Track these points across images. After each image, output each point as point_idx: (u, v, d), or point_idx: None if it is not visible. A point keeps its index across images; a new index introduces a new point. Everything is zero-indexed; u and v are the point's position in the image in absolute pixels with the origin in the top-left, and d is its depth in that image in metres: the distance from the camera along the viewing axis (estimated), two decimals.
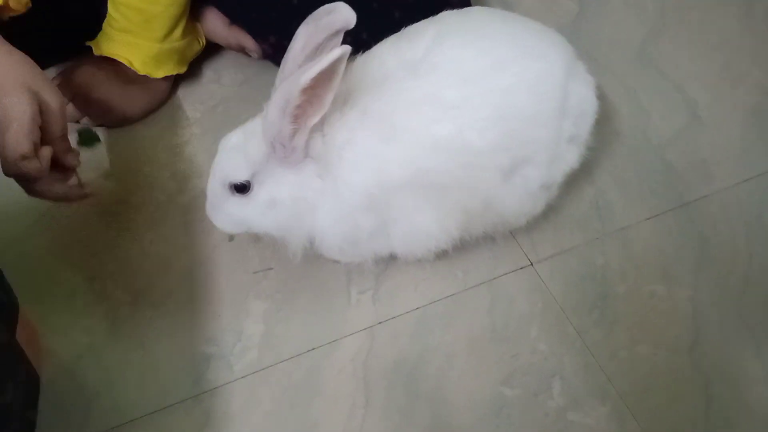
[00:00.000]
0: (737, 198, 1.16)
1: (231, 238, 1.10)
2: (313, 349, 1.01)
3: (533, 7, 1.44)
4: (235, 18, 1.23)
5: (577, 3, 1.45)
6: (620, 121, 1.26)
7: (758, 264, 1.09)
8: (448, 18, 0.95)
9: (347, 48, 0.75)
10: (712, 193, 1.17)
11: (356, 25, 0.85)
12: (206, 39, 1.29)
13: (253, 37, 1.24)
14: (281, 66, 0.85)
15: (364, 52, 0.94)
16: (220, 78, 1.32)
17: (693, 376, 0.98)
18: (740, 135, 1.24)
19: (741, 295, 1.06)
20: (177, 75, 1.26)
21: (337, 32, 0.83)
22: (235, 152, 0.88)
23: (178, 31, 1.18)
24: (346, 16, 0.82)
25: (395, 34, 0.95)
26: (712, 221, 1.13)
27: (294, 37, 0.84)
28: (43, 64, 1.28)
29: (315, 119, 0.81)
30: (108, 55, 1.17)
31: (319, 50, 0.84)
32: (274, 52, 1.23)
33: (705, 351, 1.01)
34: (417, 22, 0.97)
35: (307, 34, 0.83)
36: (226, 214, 0.93)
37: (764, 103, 1.28)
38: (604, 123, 1.18)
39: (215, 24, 1.27)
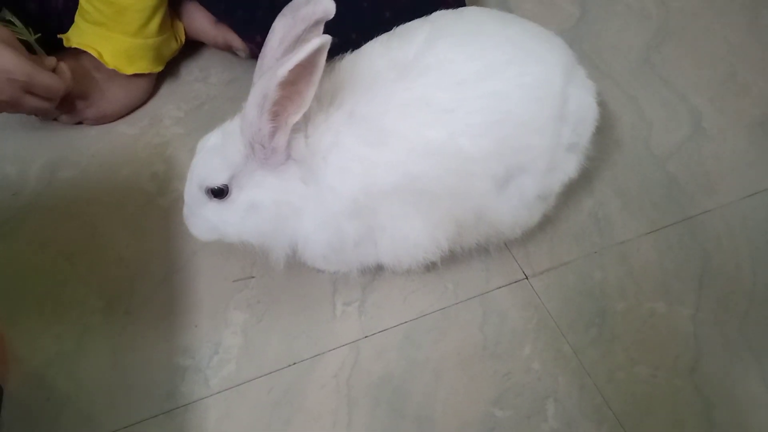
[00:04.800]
0: (741, 213, 1.11)
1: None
2: (295, 363, 0.95)
3: (533, 11, 1.39)
4: (220, 16, 1.19)
5: (578, 7, 1.40)
6: (621, 131, 1.21)
7: (762, 282, 1.04)
8: (441, 18, 0.90)
9: (327, 38, 0.70)
10: (716, 207, 1.12)
11: (345, 25, 0.80)
12: (191, 36, 1.25)
13: (240, 36, 1.19)
14: (258, 61, 0.80)
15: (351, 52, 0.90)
16: (207, 77, 1.27)
17: (694, 399, 0.93)
18: (745, 148, 1.19)
19: (744, 315, 1.01)
20: (160, 72, 1.21)
21: (316, 23, 0.78)
22: (213, 154, 0.83)
23: (153, 26, 1.13)
24: (325, 6, 0.77)
25: (386, 33, 0.90)
26: (715, 237, 1.09)
27: (271, 29, 0.79)
28: None
29: (296, 117, 0.76)
30: (77, 47, 1.12)
31: (298, 43, 0.79)
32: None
33: (707, 373, 0.96)
34: (409, 22, 0.92)
35: (285, 27, 0.78)
36: (203, 219, 0.87)
37: None
38: (605, 132, 1.14)
39: (201, 22, 1.22)
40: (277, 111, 0.75)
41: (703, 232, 1.09)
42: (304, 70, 0.72)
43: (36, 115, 1.15)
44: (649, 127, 1.22)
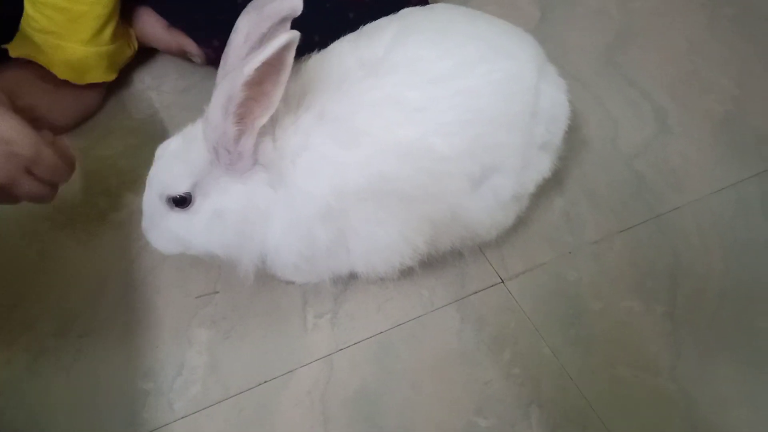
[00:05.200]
0: (710, 209, 1.11)
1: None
2: (266, 381, 0.91)
3: (494, 13, 1.33)
4: (174, 20, 1.14)
5: (539, 8, 1.39)
6: (588, 130, 1.20)
7: (733, 277, 1.03)
8: (410, 15, 0.88)
9: (295, 33, 0.66)
10: (684, 204, 1.11)
11: (307, 26, 0.76)
12: (143, 43, 1.19)
13: (195, 41, 1.14)
14: (222, 61, 0.76)
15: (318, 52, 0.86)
16: (160, 85, 1.22)
17: (676, 398, 0.92)
18: (711, 144, 1.19)
19: (717, 311, 1.00)
20: (110, 81, 1.15)
21: (283, 21, 0.75)
22: (174, 160, 0.78)
23: (107, 33, 1.07)
24: (292, 2, 0.73)
25: (354, 32, 0.87)
26: (685, 234, 1.08)
27: (234, 27, 0.75)
28: None
29: (263, 120, 0.72)
30: (25, 57, 1.05)
31: (263, 41, 0.75)
32: (219, 57, 1.13)
33: (686, 371, 0.94)
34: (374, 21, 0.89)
35: (249, 24, 0.74)
36: (164, 231, 0.82)
37: (734, 112, 1.24)
38: (572, 132, 1.11)
39: (153, 26, 1.17)
40: (243, 113, 0.71)
41: (672, 230, 1.08)
42: (270, 68, 0.68)
43: (29, 201, 0.88)
44: (615, 126, 1.21)
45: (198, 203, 0.79)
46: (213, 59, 1.15)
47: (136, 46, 1.17)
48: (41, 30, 1.05)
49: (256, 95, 0.70)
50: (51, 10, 1.02)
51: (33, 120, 1.07)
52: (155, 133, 1.15)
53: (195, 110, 1.16)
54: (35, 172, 0.83)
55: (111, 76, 1.14)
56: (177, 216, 0.80)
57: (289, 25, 0.76)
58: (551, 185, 1.07)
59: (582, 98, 1.24)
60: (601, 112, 1.23)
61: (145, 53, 1.22)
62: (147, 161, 1.09)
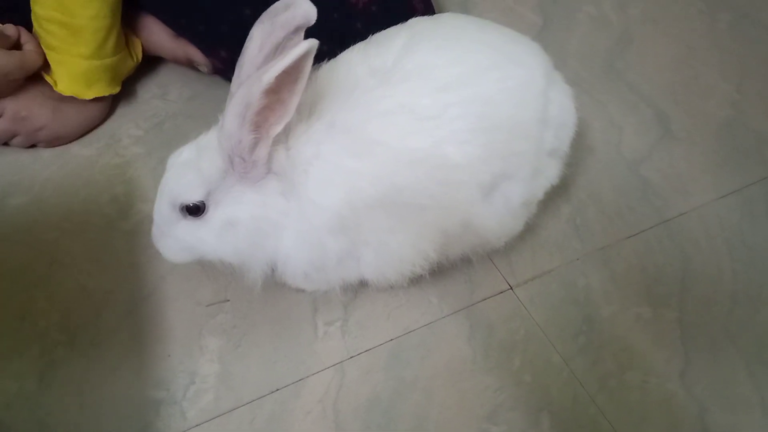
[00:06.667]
0: (717, 214, 1.11)
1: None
2: (277, 390, 0.90)
3: (496, 20, 1.35)
4: (181, 31, 1.13)
5: (540, 16, 1.40)
6: (592, 137, 1.20)
7: (743, 281, 1.04)
8: (418, 24, 0.88)
9: (314, 42, 0.66)
10: (691, 209, 1.12)
11: (315, 36, 0.76)
12: (149, 52, 1.19)
13: (203, 52, 1.14)
14: (236, 70, 0.76)
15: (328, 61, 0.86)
16: (166, 93, 1.21)
17: (687, 403, 0.92)
18: (714, 149, 1.20)
19: (728, 315, 1.01)
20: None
21: (297, 29, 0.75)
22: (187, 169, 0.78)
23: (110, 46, 1.07)
24: (306, 11, 0.73)
25: (363, 42, 0.87)
26: (693, 238, 1.09)
27: (249, 36, 0.75)
28: None
29: (278, 128, 0.72)
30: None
31: (278, 50, 0.75)
32: (226, 67, 1.13)
33: (697, 375, 0.95)
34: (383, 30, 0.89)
35: (263, 33, 0.75)
36: (176, 240, 0.82)
37: (735, 116, 1.25)
38: (577, 138, 1.12)
39: (159, 36, 1.16)
40: (259, 122, 0.71)
41: (680, 235, 1.09)
42: (288, 77, 0.68)
43: None
44: (619, 132, 1.22)
45: (210, 211, 0.79)
46: (220, 69, 1.15)
47: (140, 56, 1.17)
48: (45, 46, 1.05)
49: (272, 103, 0.70)
50: (53, 25, 1.02)
51: (36, 130, 1.08)
52: (162, 142, 1.15)
53: (201, 119, 1.18)
54: None
55: (115, 89, 1.13)
56: (188, 224, 0.80)
57: (302, 34, 0.76)
58: (558, 192, 1.07)
59: (585, 104, 1.24)
60: (604, 118, 1.23)
61: (150, 62, 1.22)
62: (154, 169, 1.10)
